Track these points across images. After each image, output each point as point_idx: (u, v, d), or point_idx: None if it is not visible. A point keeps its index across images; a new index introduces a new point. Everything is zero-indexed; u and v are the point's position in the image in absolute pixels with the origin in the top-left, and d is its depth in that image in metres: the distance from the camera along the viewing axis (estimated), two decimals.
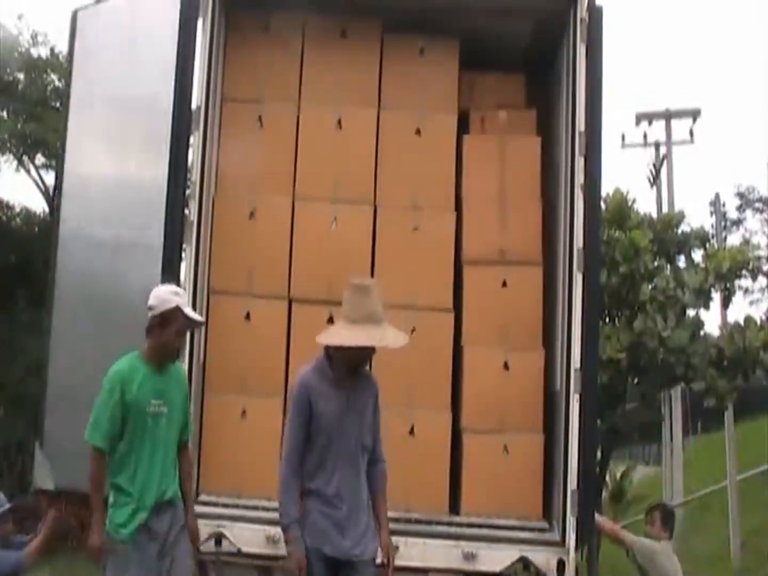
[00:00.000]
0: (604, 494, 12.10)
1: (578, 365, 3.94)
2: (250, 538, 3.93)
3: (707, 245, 9.25)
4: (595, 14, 4.15)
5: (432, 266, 4.45)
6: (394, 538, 3.89)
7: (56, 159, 9.19)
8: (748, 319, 8.76)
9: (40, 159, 12.03)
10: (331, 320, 4.35)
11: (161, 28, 4.15)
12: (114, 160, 4.34)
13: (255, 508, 4.11)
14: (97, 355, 3.93)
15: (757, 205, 36.75)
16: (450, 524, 4.12)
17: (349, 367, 3.23)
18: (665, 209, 15.36)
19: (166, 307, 3.31)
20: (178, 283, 4.02)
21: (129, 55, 4.27)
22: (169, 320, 3.32)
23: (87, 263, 4.29)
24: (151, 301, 3.34)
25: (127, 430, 3.28)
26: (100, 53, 4.41)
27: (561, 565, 3.86)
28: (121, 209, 4.22)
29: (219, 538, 3.94)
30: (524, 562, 3.91)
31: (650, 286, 8.25)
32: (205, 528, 3.92)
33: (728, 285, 8.80)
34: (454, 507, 4.26)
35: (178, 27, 4.08)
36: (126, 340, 3.95)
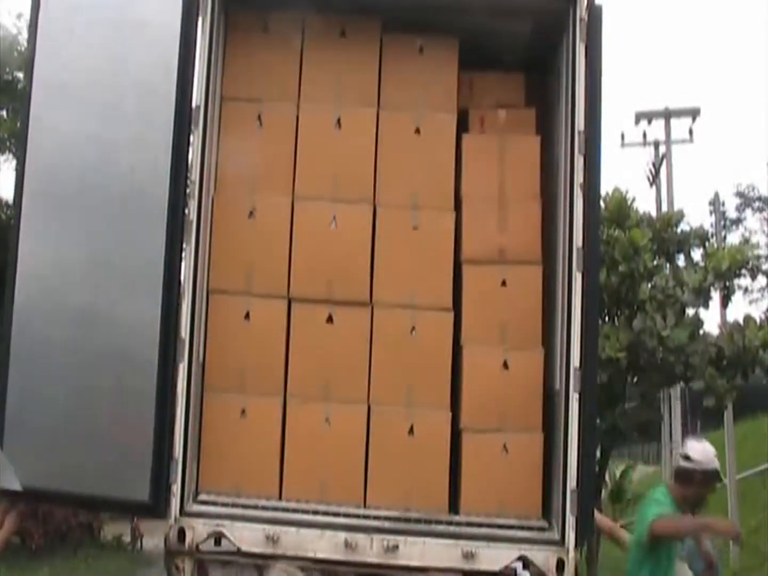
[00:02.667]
0: (604, 493, 12.11)
1: (578, 364, 3.95)
2: (249, 537, 3.93)
3: (706, 244, 9.28)
4: (595, 13, 4.16)
5: (431, 265, 4.45)
6: (394, 538, 3.93)
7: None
8: (748, 319, 8.78)
9: None
10: (330, 319, 4.36)
11: (156, 13, 4.09)
12: (96, 152, 4.09)
13: (254, 507, 4.12)
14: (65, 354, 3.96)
15: (757, 204, 36.76)
16: (449, 523, 4.12)
17: None
18: (664, 208, 15.42)
19: (710, 467, 3.65)
20: (179, 284, 4.01)
21: (116, 39, 4.11)
22: (709, 479, 3.67)
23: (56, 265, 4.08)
24: (694, 454, 3.71)
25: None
26: (74, 32, 4.13)
27: (560, 564, 3.86)
28: (103, 206, 4.08)
29: (218, 537, 3.94)
30: (524, 561, 3.91)
31: (649, 285, 8.28)
32: (204, 527, 3.94)
33: (727, 284, 8.82)
34: (454, 506, 4.27)
35: (180, 26, 4.06)
36: (101, 341, 3.98)
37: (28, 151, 4.14)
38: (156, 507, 3.92)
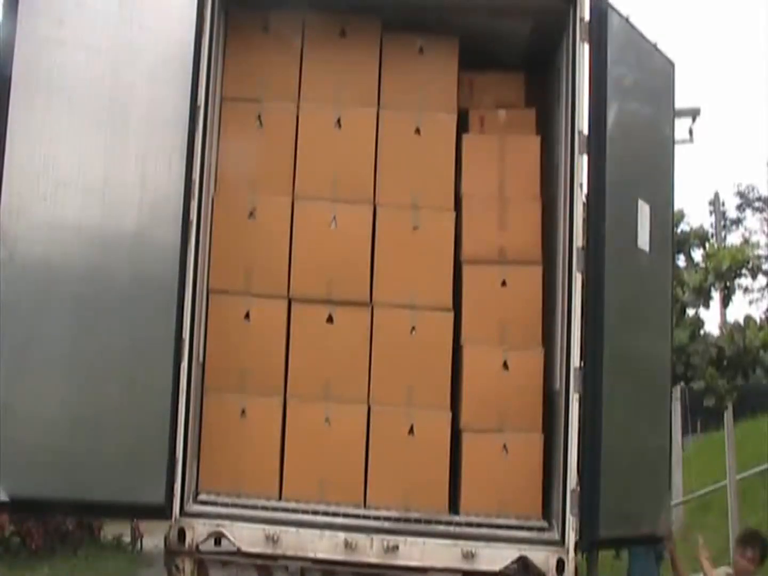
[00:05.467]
0: None
1: (578, 364, 3.94)
2: (249, 537, 3.93)
3: (707, 244, 9.28)
4: (599, 13, 4.15)
5: (431, 265, 4.45)
6: (394, 538, 3.93)
7: None
8: (748, 319, 8.78)
9: None
10: (330, 319, 4.36)
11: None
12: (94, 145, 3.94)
13: (254, 507, 4.12)
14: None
15: (757, 204, 36.77)
16: (449, 523, 4.12)
17: None
18: None
19: None
20: (183, 284, 3.98)
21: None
22: None
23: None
24: None
25: None
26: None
27: (560, 564, 3.86)
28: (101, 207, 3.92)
29: (218, 537, 3.94)
30: (523, 562, 3.91)
31: None
32: (204, 527, 3.93)
33: (728, 284, 8.82)
34: (454, 506, 4.27)
35: (195, 25, 4.05)
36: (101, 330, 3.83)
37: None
38: (170, 509, 3.88)
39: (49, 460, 3.75)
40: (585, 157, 4.10)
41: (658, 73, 4.67)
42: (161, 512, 3.87)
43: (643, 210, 4.35)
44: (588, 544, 3.95)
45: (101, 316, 3.86)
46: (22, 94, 3.85)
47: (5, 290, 3.75)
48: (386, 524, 4.06)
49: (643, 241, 4.34)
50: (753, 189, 35.92)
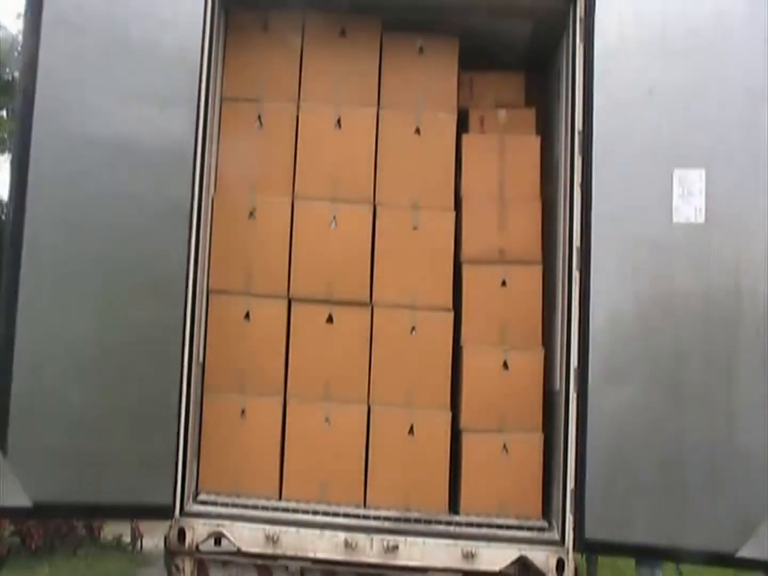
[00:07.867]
0: None
1: (577, 364, 3.94)
2: (249, 537, 3.94)
3: None
4: (592, 11, 4.14)
5: (431, 265, 4.46)
6: (394, 538, 3.93)
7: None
8: None
9: None
10: (330, 319, 4.36)
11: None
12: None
13: (254, 507, 4.13)
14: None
15: None
16: (449, 523, 4.13)
17: None
18: None
19: None
20: (185, 282, 3.99)
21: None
22: None
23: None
24: None
25: None
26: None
27: (560, 564, 3.87)
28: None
29: (218, 537, 3.95)
30: (523, 562, 3.91)
31: None
32: (204, 527, 3.94)
33: None
34: (454, 506, 4.27)
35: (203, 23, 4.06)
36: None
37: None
38: (176, 509, 3.89)
39: (63, 463, 3.74)
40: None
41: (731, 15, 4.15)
42: (169, 512, 3.90)
43: (686, 179, 3.93)
44: (581, 545, 3.94)
45: (101, 316, 3.87)
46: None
47: (22, 295, 3.73)
48: (386, 524, 4.07)
49: (686, 214, 3.92)
50: None
